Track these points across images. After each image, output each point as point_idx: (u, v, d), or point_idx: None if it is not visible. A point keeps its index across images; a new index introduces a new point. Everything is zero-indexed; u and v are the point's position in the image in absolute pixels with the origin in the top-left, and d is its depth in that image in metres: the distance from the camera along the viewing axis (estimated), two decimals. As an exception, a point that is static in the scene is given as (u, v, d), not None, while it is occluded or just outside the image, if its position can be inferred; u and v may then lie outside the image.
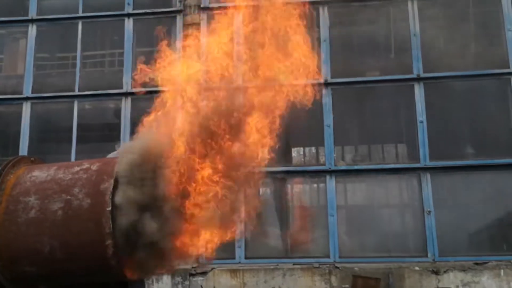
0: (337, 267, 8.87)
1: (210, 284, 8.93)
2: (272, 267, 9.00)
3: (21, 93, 10.36)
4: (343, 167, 9.52)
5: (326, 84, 9.57)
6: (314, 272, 8.88)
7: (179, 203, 3.95)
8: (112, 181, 3.98)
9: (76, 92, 10.24)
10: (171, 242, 4.00)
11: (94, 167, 4.20)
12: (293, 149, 10.10)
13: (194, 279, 8.98)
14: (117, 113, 10.12)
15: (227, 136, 3.99)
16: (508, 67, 9.44)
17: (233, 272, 8.99)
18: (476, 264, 8.66)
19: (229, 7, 4.47)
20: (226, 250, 8.76)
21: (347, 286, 8.54)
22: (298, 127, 7.92)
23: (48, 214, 4.03)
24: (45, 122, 10.58)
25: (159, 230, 3.92)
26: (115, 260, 3.92)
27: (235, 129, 4.03)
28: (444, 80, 9.64)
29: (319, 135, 9.56)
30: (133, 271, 4.07)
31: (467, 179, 9.42)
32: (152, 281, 8.86)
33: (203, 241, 4.14)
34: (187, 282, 8.97)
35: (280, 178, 9.54)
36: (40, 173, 4.29)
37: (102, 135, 10.73)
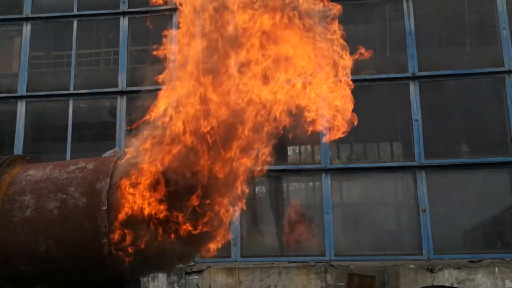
0: (332, 265, 8.89)
1: (206, 282, 8.93)
2: (267, 265, 9.01)
3: (15, 91, 10.32)
4: (339, 166, 9.53)
5: (321, 82, 9.56)
6: (309, 270, 8.89)
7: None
8: (108, 180, 3.99)
9: (71, 91, 10.21)
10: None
11: (90, 166, 4.20)
12: (288, 148, 10.11)
13: (189, 277, 8.98)
14: (113, 111, 10.11)
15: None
16: (503, 66, 9.46)
17: (229, 270, 9.00)
18: (471, 262, 8.69)
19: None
20: (221, 249, 8.74)
21: (342, 284, 8.55)
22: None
23: (44, 213, 4.02)
24: (40, 120, 10.55)
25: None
26: (110, 259, 3.92)
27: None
28: (439, 78, 9.66)
29: (314, 134, 9.55)
30: (129, 270, 4.07)
31: (462, 177, 9.45)
32: (148, 280, 8.86)
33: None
34: (182, 281, 8.97)
35: (275, 177, 9.54)
36: (35, 172, 4.28)
37: (97, 133, 10.70)
